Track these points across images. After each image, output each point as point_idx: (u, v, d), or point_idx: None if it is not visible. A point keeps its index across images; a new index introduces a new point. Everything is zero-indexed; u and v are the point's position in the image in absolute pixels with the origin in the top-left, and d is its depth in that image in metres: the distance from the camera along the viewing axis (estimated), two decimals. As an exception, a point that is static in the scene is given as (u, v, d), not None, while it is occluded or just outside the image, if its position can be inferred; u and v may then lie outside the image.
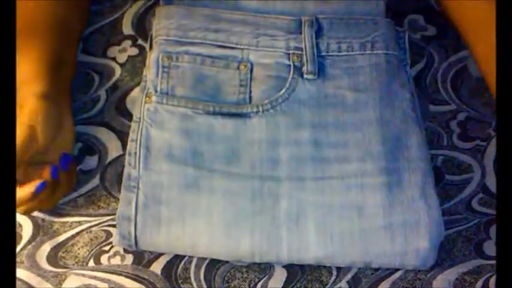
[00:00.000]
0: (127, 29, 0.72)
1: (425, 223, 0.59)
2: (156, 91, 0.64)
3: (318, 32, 0.67)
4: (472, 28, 0.68)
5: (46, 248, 0.61)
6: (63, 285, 0.59)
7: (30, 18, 0.64)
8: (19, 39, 0.61)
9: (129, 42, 0.72)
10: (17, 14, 0.61)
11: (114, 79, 0.69)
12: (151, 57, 0.66)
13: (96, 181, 0.64)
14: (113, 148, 0.66)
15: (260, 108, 0.64)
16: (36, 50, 0.62)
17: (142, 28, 0.72)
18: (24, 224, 0.62)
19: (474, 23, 0.67)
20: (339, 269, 0.61)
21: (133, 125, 0.63)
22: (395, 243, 0.59)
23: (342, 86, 0.65)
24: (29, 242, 0.61)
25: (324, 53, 0.67)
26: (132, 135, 0.63)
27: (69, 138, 0.63)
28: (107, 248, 0.61)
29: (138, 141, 0.62)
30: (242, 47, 0.66)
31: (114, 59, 0.70)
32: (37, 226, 0.62)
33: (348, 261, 0.59)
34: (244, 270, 0.61)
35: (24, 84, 0.60)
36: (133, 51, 0.71)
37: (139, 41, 0.72)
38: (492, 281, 0.60)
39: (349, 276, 0.60)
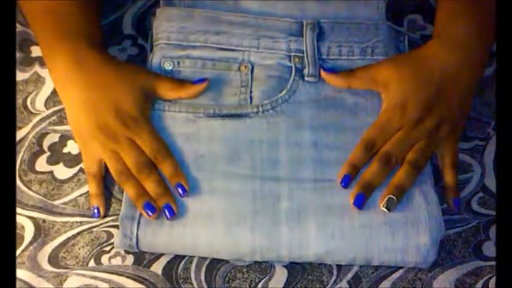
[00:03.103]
0: (127, 28, 0.72)
1: (425, 220, 0.59)
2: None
3: (320, 36, 0.67)
4: None
5: (47, 248, 0.61)
6: (64, 286, 0.59)
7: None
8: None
9: (129, 41, 0.72)
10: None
11: (114, 79, 0.69)
12: (153, 62, 0.66)
13: (97, 181, 0.64)
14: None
15: (260, 109, 0.64)
16: None
17: (142, 28, 0.72)
18: (26, 225, 0.62)
19: None
20: (339, 268, 0.61)
21: None
22: (396, 239, 0.59)
23: (342, 89, 0.66)
24: (30, 243, 0.61)
25: (324, 56, 0.67)
26: None
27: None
28: (107, 248, 0.61)
29: None
30: (243, 48, 0.67)
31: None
32: (38, 227, 0.62)
33: (349, 257, 0.59)
34: (245, 270, 0.61)
35: None
36: (134, 50, 0.71)
37: (140, 41, 0.72)
38: (492, 283, 0.60)
39: (349, 276, 0.60)
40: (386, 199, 0.59)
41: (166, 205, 0.59)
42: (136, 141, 0.61)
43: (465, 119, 0.65)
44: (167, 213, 0.59)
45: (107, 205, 0.63)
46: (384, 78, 0.64)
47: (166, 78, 0.65)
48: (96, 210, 0.62)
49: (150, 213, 0.59)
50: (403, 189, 0.60)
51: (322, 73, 0.65)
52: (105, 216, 0.63)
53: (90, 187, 0.62)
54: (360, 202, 0.59)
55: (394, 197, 0.59)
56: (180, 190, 0.60)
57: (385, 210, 0.59)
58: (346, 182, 0.60)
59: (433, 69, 0.63)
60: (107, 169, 0.62)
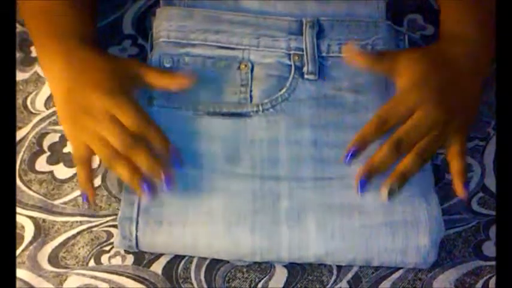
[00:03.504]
0: (127, 28, 0.72)
1: (425, 220, 0.59)
2: (158, 94, 0.64)
3: (319, 33, 0.68)
4: None
5: (47, 248, 0.61)
6: (64, 285, 0.59)
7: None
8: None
9: (129, 41, 0.72)
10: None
11: (114, 79, 0.69)
12: (153, 59, 0.66)
13: (97, 181, 0.64)
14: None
15: (260, 108, 0.64)
16: None
17: (142, 27, 0.73)
18: (26, 225, 0.62)
19: None
20: (339, 268, 0.61)
21: None
22: (396, 240, 0.59)
23: (342, 87, 0.66)
24: (30, 243, 0.61)
25: (324, 54, 0.67)
26: None
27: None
28: (107, 248, 0.61)
29: None
30: (243, 47, 0.67)
31: (114, 58, 0.70)
32: (38, 227, 0.62)
33: (349, 258, 0.59)
34: (244, 270, 0.61)
35: None
36: (134, 50, 0.71)
37: (140, 41, 0.72)
38: (492, 283, 0.60)
39: (349, 276, 0.60)
40: (389, 185, 0.58)
41: (162, 176, 0.57)
42: (118, 115, 0.58)
43: (474, 116, 0.64)
44: (165, 185, 0.57)
45: (107, 205, 0.63)
46: (400, 66, 0.62)
47: (156, 67, 0.64)
48: (84, 197, 0.60)
49: (148, 191, 0.57)
50: (406, 176, 0.58)
51: (345, 49, 0.65)
52: (101, 210, 0.62)
53: (79, 173, 0.60)
54: (363, 186, 0.58)
55: (397, 184, 0.58)
56: (173, 156, 0.58)
57: (386, 195, 0.58)
58: (353, 155, 0.58)
59: (448, 64, 0.62)
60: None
